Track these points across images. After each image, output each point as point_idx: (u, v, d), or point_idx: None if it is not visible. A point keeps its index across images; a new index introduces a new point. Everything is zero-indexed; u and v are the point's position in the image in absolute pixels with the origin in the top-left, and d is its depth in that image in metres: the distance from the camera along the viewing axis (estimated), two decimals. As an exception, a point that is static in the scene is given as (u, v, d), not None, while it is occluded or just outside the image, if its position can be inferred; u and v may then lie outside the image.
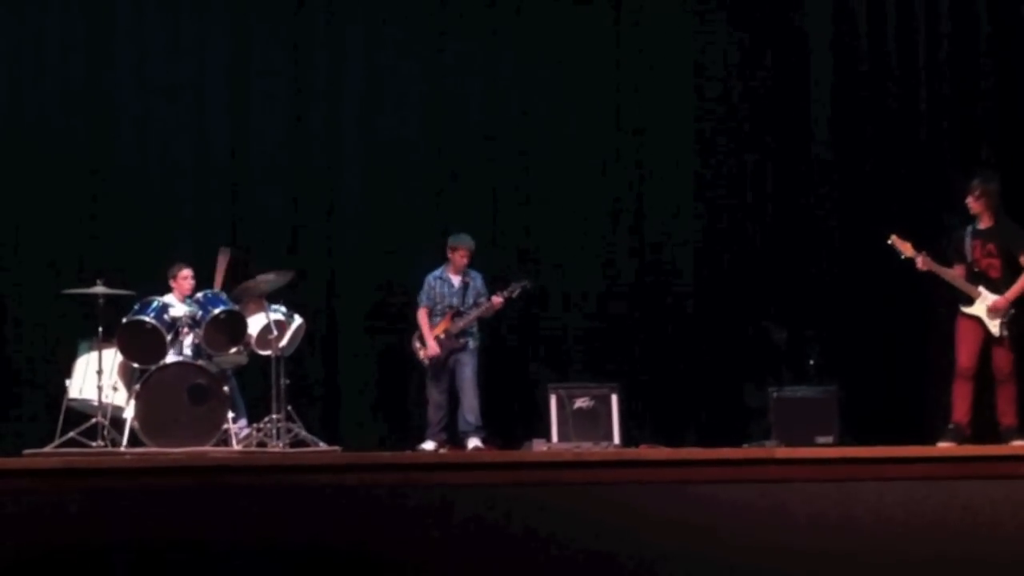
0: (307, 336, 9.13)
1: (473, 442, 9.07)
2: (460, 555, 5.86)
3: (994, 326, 8.02)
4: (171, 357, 8.48)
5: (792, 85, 10.68)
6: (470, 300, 9.31)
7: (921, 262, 8.13)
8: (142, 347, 8.40)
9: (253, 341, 8.69)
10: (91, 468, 6.09)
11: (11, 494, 5.65)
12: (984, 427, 8.17)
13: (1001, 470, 6.40)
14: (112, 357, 8.41)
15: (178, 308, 8.66)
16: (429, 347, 9.21)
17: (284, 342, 8.69)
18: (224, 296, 8.69)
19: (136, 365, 8.47)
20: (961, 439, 7.93)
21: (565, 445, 8.93)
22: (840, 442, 8.76)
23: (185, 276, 8.98)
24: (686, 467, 6.38)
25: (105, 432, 8.19)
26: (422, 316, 9.34)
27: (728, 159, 10.71)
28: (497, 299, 9.26)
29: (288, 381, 8.54)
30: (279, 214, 10.31)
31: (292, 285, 8.90)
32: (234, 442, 8.34)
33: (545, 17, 10.65)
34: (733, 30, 10.74)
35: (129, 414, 8.31)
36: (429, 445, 9.10)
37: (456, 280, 9.36)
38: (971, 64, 10.22)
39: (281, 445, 8.31)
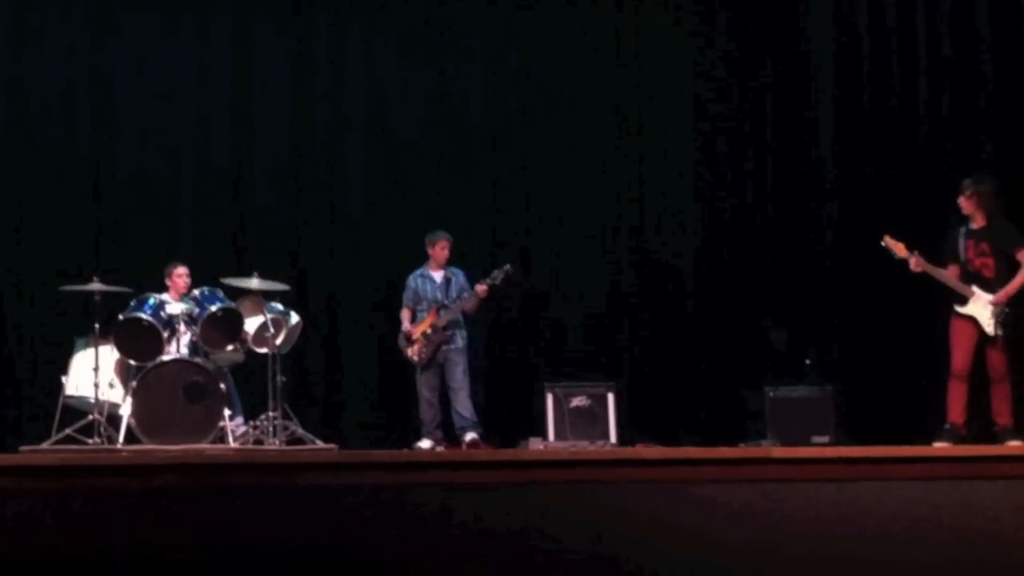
0: (306, 334, 9.14)
1: (470, 435, 9.07)
2: (457, 554, 5.85)
3: (988, 325, 8.02)
4: (168, 355, 8.48)
5: (792, 86, 10.70)
6: (453, 294, 9.32)
7: (914, 263, 8.14)
8: (139, 344, 8.40)
9: (250, 339, 8.70)
10: (87, 465, 6.07)
11: (7, 491, 5.64)
12: (980, 427, 8.17)
13: (997, 470, 6.40)
14: (109, 354, 8.41)
15: (175, 305, 8.65)
16: (407, 331, 9.20)
17: (280, 340, 8.69)
18: (221, 293, 8.69)
19: (133, 362, 8.47)
20: (957, 439, 7.94)
21: (562, 444, 8.94)
22: (836, 442, 8.77)
23: (180, 274, 8.99)
24: (683, 466, 6.37)
25: (101, 429, 8.19)
26: (404, 316, 9.35)
27: (728, 159, 10.75)
28: (481, 287, 9.25)
29: (284, 379, 8.55)
30: (280, 213, 10.33)
31: (297, 283, 8.91)
32: (231, 440, 8.34)
33: (547, 19, 10.68)
34: (734, 31, 10.78)
35: (126, 411, 8.30)
36: (426, 443, 9.11)
37: (438, 276, 9.38)
38: (972, 65, 10.22)
39: (277, 443, 8.32)
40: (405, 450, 8.86)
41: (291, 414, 8.61)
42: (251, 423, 8.62)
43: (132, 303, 8.53)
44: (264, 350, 8.61)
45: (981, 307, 8.05)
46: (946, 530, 6.11)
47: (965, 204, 8.21)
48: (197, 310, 8.55)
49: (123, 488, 5.81)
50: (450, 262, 9.43)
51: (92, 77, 10.16)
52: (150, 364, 8.35)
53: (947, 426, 8.03)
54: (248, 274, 8.71)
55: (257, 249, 9.89)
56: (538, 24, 10.69)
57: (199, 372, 8.41)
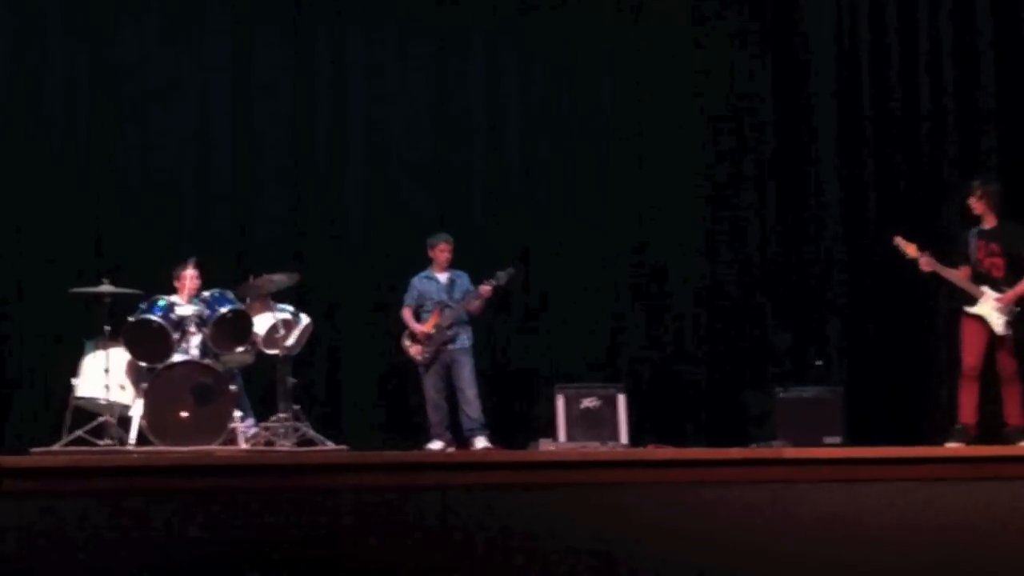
0: (313, 336, 9.13)
1: (481, 441, 9.07)
2: (467, 555, 5.85)
3: (998, 325, 8.02)
4: (178, 356, 8.48)
5: (794, 87, 10.69)
6: (458, 295, 9.33)
7: (924, 263, 8.14)
8: (149, 346, 8.40)
9: (260, 340, 8.69)
10: (98, 467, 6.08)
11: (19, 493, 5.65)
12: (991, 428, 8.16)
13: (1009, 471, 6.39)
14: (119, 356, 8.41)
15: (185, 307, 8.65)
16: (418, 331, 9.21)
17: (291, 341, 8.68)
18: (231, 295, 8.69)
19: (143, 364, 8.47)
20: (968, 440, 7.93)
21: (572, 445, 8.93)
22: (847, 443, 8.76)
23: (189, 275, 8.96)
24: (692, 467, 6.37)
25: (112, 431, 8.19)
26: (406, 315, 9.37)
27: (732, 160, 10.74)
28: (485, 288, 9.26)
29: (295, 380, 8.55)
30: (284, 215, 10.33)
31: (298, 285, 8.91)
32: (241, 441, 8.33)
33: (548, 22, 10.68)
34: (735, 34, 10.78)
35: (136, 413, 8.30)
36: (436, 445, 9.11)
37: (442, 277, 9.39)
38: (973, 65, 10.21)
39: (288, 444, 8.31)
40: (415, 451, 8.86)
41: (301, 416, 8.60)
42: (261, 425, 8.62)
43: (142, 305, 8.53)
44: (274, 351, 8.61)
45: (990, 307, 8.04)
46: (958, 531, 6.10)
47: (976, 204, 8.22)
48: (207, 312, 8.55)
49: (134, 489, 5.82)
50: (452, 265, 9.43)
51: (95, 80, 10.15)
52: (160, 366, 8.35)
53: (958, 427, 8.03)
54: (256, 274, 8.70)
55: (261, 251, 9.88)
56: (539, 27, 10.69)
57: (209, 374, 8.41)
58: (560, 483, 6.17)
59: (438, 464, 6.60)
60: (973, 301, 8.10)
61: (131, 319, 8.41)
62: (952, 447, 7.73)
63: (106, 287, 8.41)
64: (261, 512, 5.81)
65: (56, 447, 8.12)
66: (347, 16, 10.56)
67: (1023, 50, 9.98)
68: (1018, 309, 8.02)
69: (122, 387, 8.43)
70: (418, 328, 9.26)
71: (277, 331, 8.56)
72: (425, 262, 9.48)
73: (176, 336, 8.44)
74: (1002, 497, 6.23)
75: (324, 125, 10.54)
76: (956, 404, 8.16)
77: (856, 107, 10.48)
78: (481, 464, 6.48)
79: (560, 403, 9.17)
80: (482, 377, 9.40)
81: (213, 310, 8.53)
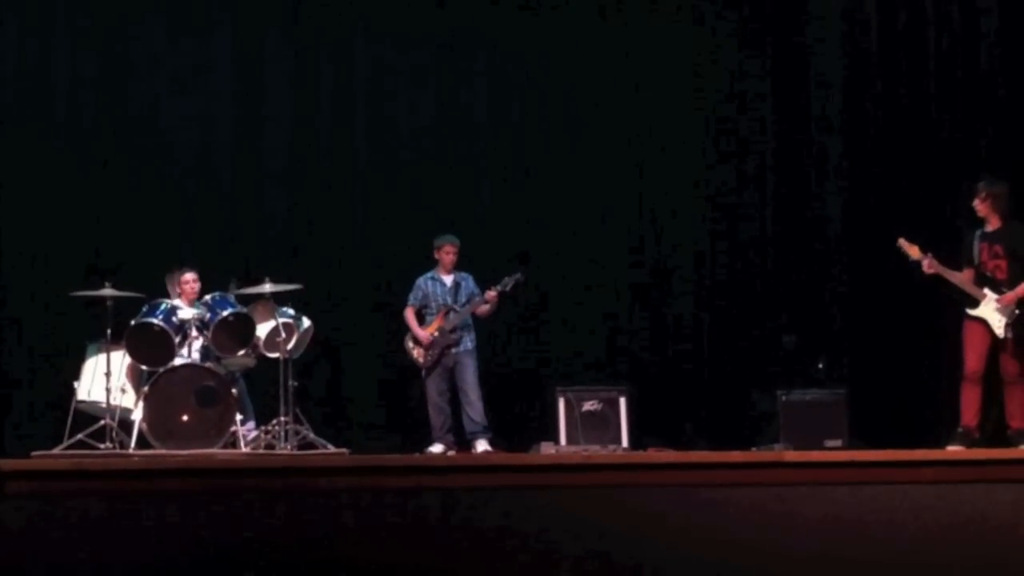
0: (316, 339, 9.13)
1: (482, 445, 9.07)
2: (468, 558, 5.85)
3: (999, 328, 8.00)
4: (179, 359, 8.49)
5: (800, 88, 10.68)
6: (462, 299, 9.32)
7: (927, 264, 8.12)
8: (150, 349, 8.40)
9: (261, 344, 8.69)
10: (99, 470, 6.09)
11: (20, 495, 5.65)
12: (993, 430, 8.15)
13: (1011, 474, 6.38)
14: (120, 359, 8.42)
15: (186, 311, 8.67)
16: (422, 337, 9.20)
17: (292, 345, 8.68)
18: (232, 299, 8.69)
19: (145, 367, 8.48)
20: (970, 443, 7.91)
21: (573, 448, 8.92)
22: (849, 446, 8.74)
23: (187, 280, 8.95)
24: (695, 470, 6.37)
25: (113, 434, 8.20)
26: (408, 315, 9.36)
27: (736, 162, 10.73)
28: (491, 293, 9.25)
29: (296, 383, 8.54)
30: (287, 217, 10.33)
31: (299, 291, 8.91)
32: (242, 444, 8.33)
33: (549, 25, 10.68)
34: (739, 38, 10.77)
35: (137, 416, 8.31)
36: (438, 448, 9.10)
37: (448, 279, 9.38)
38: (980, 66, 10.20)
39: (289, 447, 8.31)
40: (416, 454, 8.85)
41: (302, 419, 8.60)
42: (262, 428, 8.62)
43: (144, 308, 8.54)
44: (276, 355, 8.61)
45: (992, 310, 8.03)
46: (960, 534, 6.09)
47: (980, 206, 8.20)
48: (209, 315, 8.56)
49: (135, 492, 5.82)
50: (458, 267, 9.42)
51: (100, 84, 10.16)
52: (162, 369, 8.36)
53: (960, 429, 8.01)
54: (260, 279, 8.70)
55: (264, 254, 9.88)
56: (541, 29, 10.69)
57: (211, 377, 8.42)
58: (561, 486, 6.16)
59: (438, 467, 6.59)
60: (975, 304, 8.08)
61: (133, 322, 8.42)
62: (954, 450, 7.71)
63: (108, 290, 8.42)
64: (262, 515, 5.81)
65: (57, 450, 8.13)
66: (351, 18, 10.57)
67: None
68: (1018, 311, 7.99)
69: (123, 390, 8.45)
70: (421, 334, 9.25)
71: (278, 334, 8.56)
72: (430, 263, 9.47)
73: (178, 339, 8.46)
74: (1004, 500, 6.22)
75: (327, 127, 10.54)
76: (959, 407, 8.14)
77: (860, 107, 10.47)
78: (481, 467, 6.47)
79: (561, 405, 9.16)
80: (483, 379, 9.39)
81: (215, 313, 8.54)
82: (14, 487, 5.68)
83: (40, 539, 5.59)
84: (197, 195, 10.24)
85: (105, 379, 8.29)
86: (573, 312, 10.51)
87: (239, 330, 8.56)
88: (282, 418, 8.41)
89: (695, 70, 10.72)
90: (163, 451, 8.09)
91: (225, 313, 8.52)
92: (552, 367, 10.32)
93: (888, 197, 10.19)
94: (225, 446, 8.24)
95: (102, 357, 8.38)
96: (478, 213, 10.50)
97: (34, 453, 7.99)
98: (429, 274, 9.45)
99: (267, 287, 8.61)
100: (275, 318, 8.61)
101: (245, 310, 8.62)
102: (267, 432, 8.50)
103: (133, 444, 8.23)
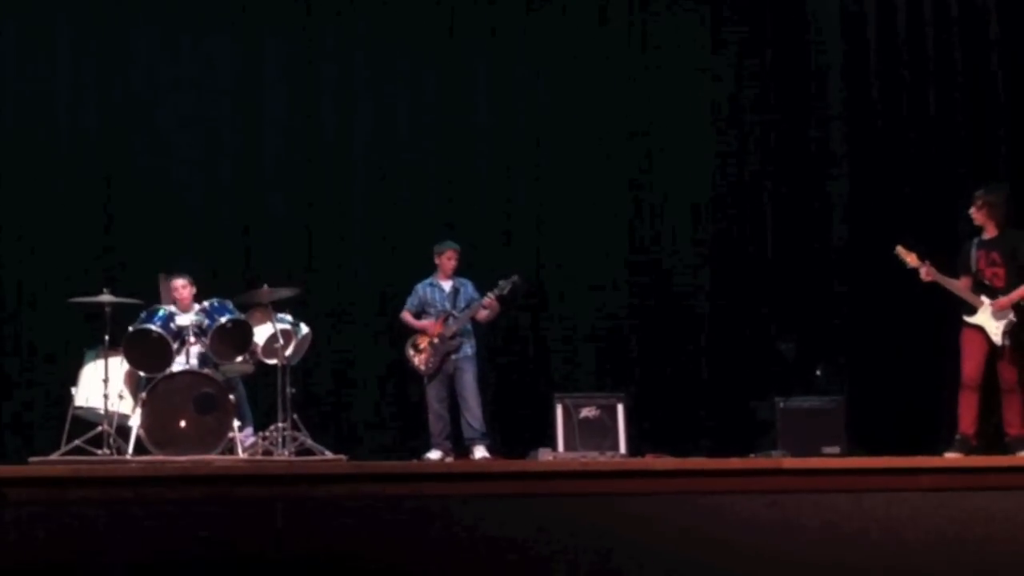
0: (314, 345, 9.13)
1: (480, 451, 9.06)
2: (465, 565, 5.84)
3: (995, 335, 8.00)
4: (177, 366, 8.49)
5: (802, 96, 10.69)
6: (462, 304, 9.31)
7: (925, 272, 8.12)
8: (148, 356, 8.41)
9: (259, 350, 8.70)
10: (97, 477, 6.07)
11: (17, 502, 5.64)
12: (991, 438, 8.14)
13: (1008, 481, 6.38)
14: (118, 365, 8.42)
15: (184, 317, 8.67)
16: (427, 327, 9.19)
17: (290, 351, 8.68)
18: (231, 305, 8.70)
19: (142, 374, 8.48)
20: (968, 450, 7.91)
21: (571, 455, 8.92)
22: (847, 453, 8.74)
23: (176, 286, 8.94)
24: (692, 477, 6.36)
25: (111, 440, 8.20)
26: (406, 316, 9.35)
27: (737, 169, 10.74)
28: (489, 299, 9.24)
29: (294, 390, 8.54)
30: (288, 223, 10.33)
31: (303, 292, 8.92)
32: (240, 451, 8.33)
33: (553, 28, 10.69)
34: (743, 44, 10.78)
35: (135, 422, 8.31)
36: (435, 454, 9.09)
37: (447, 285, 9.38)
38: (983, 71, 10.20)
39: (287, 454, 8.31)
40: (414, 461, 8.85)
41: (300, 425, 8.60)
42: (260, 434, 8.62)
43: (142, 315, 8.54)
44: (274, 361, 8.61)
45: (988, 317, 8.03)
46: (957, 541, 6.09)
47: (976, 215, 8.20)
48: (207, 321, 8.56)
49: (132, 499, 5.81)
50: (458, 272, 9.42)
51: (101, 88, 10.18)
52: (159, 375, 8.36)
53: (958, 437, 8.00)
54: (257, 285, 8.70)
55: (264, 259, 9.89)
56: (543, 32, 10.70)
57: (208, 383, 8.42)
58: (559, 493, 6.16)
59: (436, 474, 6.58)
60: (973, 311, 8.09)
61: (131, 329, 8.43)
62: (952, 457, 7.71)
63: (106, 296, 8.42)
64: (259, 522, 5.80)
65: (54, 456, 8.12)
66: (353, 23, 10.59)
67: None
68: (1015, 319, 7.99)
69: (121, 396, 8.45)
70: (422, 324, 9.22)
71: (276, 341, 8.56)
72: (431, 269, 9.47)
73: (176, 346, 8.46)
74: (1002, 507, 6.22)
75: (330, 132, 10.56)
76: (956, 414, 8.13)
77: (863, 111, 10.47)
78: (479, 474, 6.47)
79: (559, 412, 9.15)
80: (482, 385, 9.38)
81: (213, 320, 8.54)
82: (12, 494, 5.67)
83: (37, 545, 5.58)
84: (200, 200, 10.24)
85: (103, 385, 8.28)
86: (573, 317, 10.51)
87: (237, 336, 8.57)
88: (280, 424, 8.41)
89: (705, 80, 10.73)
90: (161, 457, 8.08)
91: (223, 320, 8.52)
92: (550, 374, 10.32)
93: (888, 205, 10.19)
94: (222, 452, 8.24)
95: (100, 363, 8.37)
96: (484, 219, 10.50)
97: (32, 459, 7.99)
98: (428, 280, 9.45)
99: (264, 291, 8.62)
100: (273, 325, 8.61)
101: (243, 317, 8.63)
102: (265, 438, 8.50)
103: (131, 450, 8.23)
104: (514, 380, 10.33)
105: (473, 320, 9.31)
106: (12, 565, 5.52)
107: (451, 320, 9.23)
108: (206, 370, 8.57)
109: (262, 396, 9.05)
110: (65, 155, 10.05)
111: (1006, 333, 7.97)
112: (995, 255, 8.11)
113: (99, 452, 8.15)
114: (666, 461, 8.03)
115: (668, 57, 10.77)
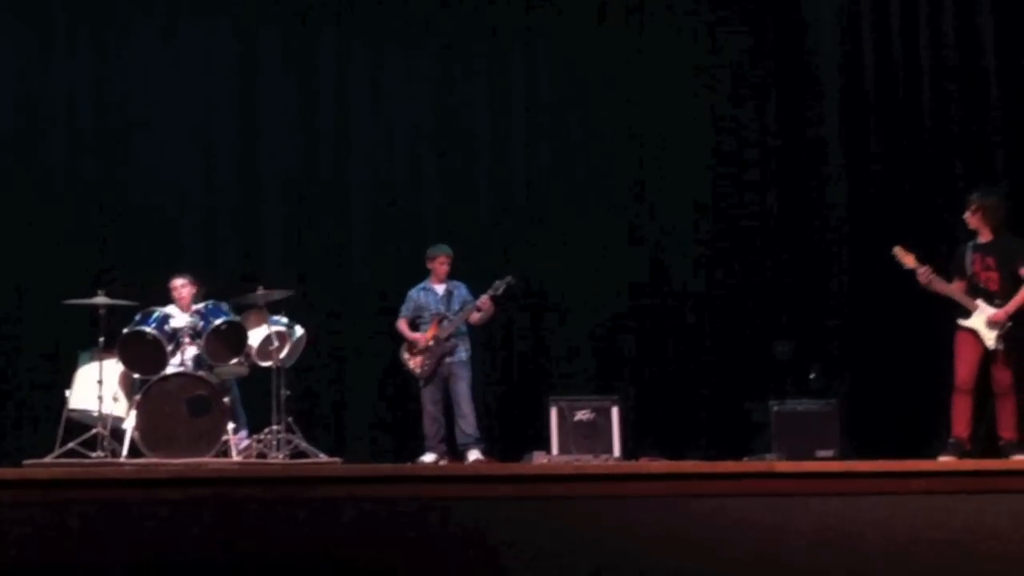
0: (311, 348, 9.13)
1: (474, 455, 9.07)
2: (459, 568, 5.84)
3: (989, 340, 8.00)
4: (172, 368, 8.49)
5: (799, 100, 10.70)
6: (456, 306, 9.32)
7: (922, 274, 8.13)
8: (143, 358, 8.41)
9: (254, 352, 8.70)
10: (91, 479, 6.06)
11: (10, 505, 5.64)
12: (985, 441, 8.15)
13: (1002, 485, 6.38)
14: (113, 367, 8.42)
15: (179, 319, 8.67)
16: (417, 339, 9.19)
17: (284, 353, 8.68)
18: (226, 307, 8.70)
19: (137, 376, 8.48)
20: (962, 453, 7.92)
21: (565, 458, 8.93)
22: (841, 456, 8.75)
23: (176, 285, 8.96)
24: (686, 480, 6.35)
25: (105, 443, 8.20)
26: (401, 326, 9.36)
27: (734, 173, 10.75)
28: (484, 301, 9.25)
29: (288, 392, 8.54)
30: (286, 227, 10.34)
31: (300, 294, 8.92)
32: (234, 453, 8.34)
33: (552, 29, 10.71)
34: (740, 47, 10.79)
35: (129, 425, 8.31)
36: (429, 457, 9.10)
37: (440, 288, 9.39)
38: (978, 75, 10.20)
39: (281, 456, 8.31)
40: (408, 464, 8.85)
41: (295, 428, 8.60)
42: (254, 437, 8.62)
43: (137, 317, 8.55)
44: (268, 363, 8.61)
45: (983, 321, 8.03)
46: (951, 544, 6.08)
47: (971, 219, 8.22)
48: (201, 324, 8.57)
49: (126, 501, 5.80)
50: (453, 276, 9.43)
51: (97, 90, 10.18)
52: (154, 377, 8.36)
53: (952, 440, 8.01)
54: (252, 287, 8.70)
55: (261, 262, 9.90)
56: (542, 34, 10.73)
57: (203, 386, 8.41)
58: (553, 496, 6.15)
59: (430, 477, 6.58)
60: (967, 314, 8.09)
61: (125, 331, 8.43)
62: (945, 461, 7.72)
63: (101, 298, 8.42)
64: (253, 524, 5.80)
65: (48, 459, 8.11)
66: (350, 25, 10.61)
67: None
68: (1010, 323, 8.00)
69: (115, 399, 8.44)
70: (415, 336, 9.25)
71: (271, 343, 8.56)
72: (424, 273, 9.47)
73: (170, 348, 8.46)
74: (995, 511, 6.21)
75: (327, 135, 10.58)
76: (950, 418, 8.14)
77: (862, 114, 10.46)
78: (473, 477, 6.46)
79: (554, 415, 9.16)
80: (476, 388, 9.39)
81: (207, 322, 8.54)
82: (5, 496, 5.67)
83: (30, 548, 5.58)
84: (197, 203, 10.26)
85: (97, 387, 8.28)
86: (569, 320, 10.51)
87: (232, 339, 8.57)
88: (274, 427, 8.40)
89: (702, 84, 10.74)
90: (155, 460, 8.08)
91: (218, 322, 8.53)
92: (545, 376, 10.32)
93: (886, 207, 10.18)
94: (217, 455, 8.24)
95: (94, 365, 8.37)
96: (480, 223, 10.52)
97: (26, 462, 7.97)
98: (421, 285, 9.46)
99: (260, 293, 8.62)
100: (268, 327, 8.61)
101: (238, 319, 8.63)
102: (259, 441, 8.50)
103: (125, 453, 8.23)
104: (509, 383, 10.34)
105: (469, 324, 9.31)
106: (4, 568, 5.51)
107: (446, 322, 9.24)
108: (200, 372, 8.57)
109: (257, 399, 9.04)
110: (60, 156, 10.05)
111: (1000, 337, 7.98)
112: (990, 259, 8.12)
113: (93, 454, 8.15)
114: (659, 464, 8.03)
115: (667, 57, 10.77)
